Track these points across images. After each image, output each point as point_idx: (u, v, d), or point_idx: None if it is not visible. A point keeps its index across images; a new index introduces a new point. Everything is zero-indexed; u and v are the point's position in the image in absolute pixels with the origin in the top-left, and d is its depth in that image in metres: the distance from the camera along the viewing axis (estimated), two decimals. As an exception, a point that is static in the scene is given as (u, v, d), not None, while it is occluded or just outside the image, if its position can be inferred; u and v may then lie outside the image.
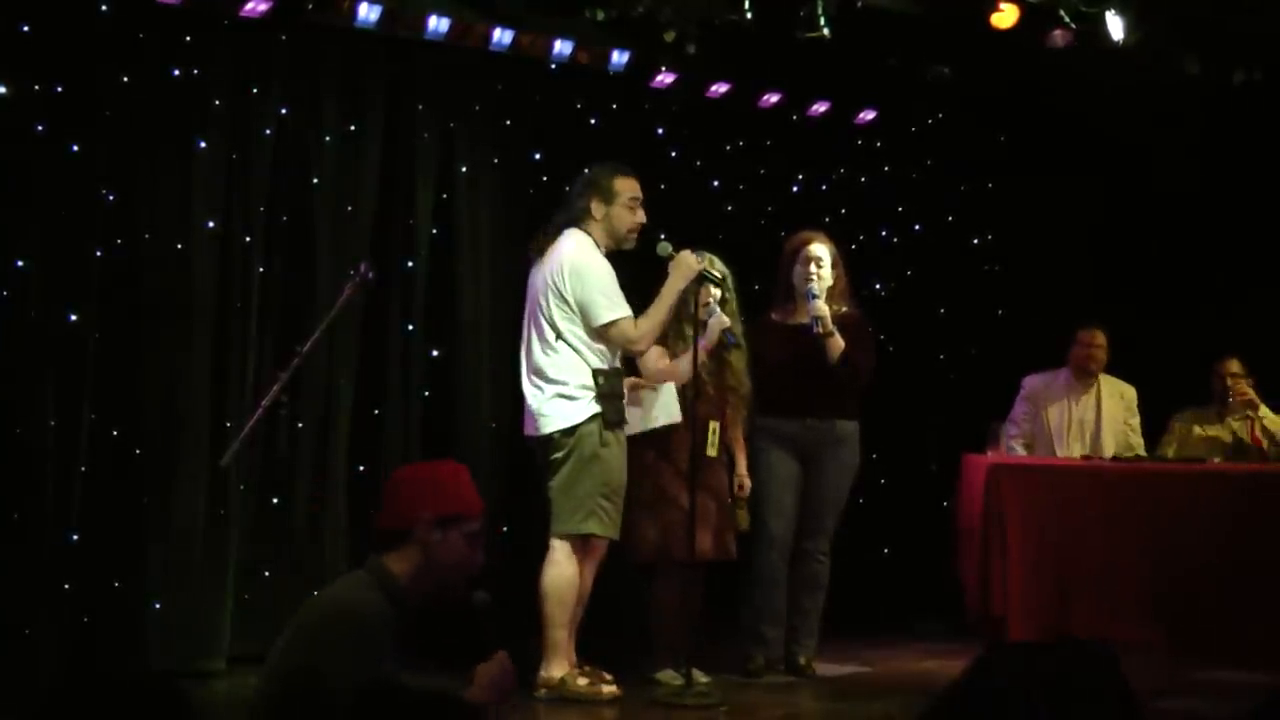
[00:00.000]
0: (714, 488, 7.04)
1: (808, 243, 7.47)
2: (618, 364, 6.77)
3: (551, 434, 6.66)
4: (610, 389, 6.67)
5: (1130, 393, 8.87)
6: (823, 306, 7.28)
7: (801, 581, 7.47)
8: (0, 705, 5.90)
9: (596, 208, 6.80)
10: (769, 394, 7.24)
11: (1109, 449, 8.66)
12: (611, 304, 6.65)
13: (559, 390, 6.65)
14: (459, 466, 4.38)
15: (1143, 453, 8.68)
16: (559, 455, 6.64)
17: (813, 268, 7.37)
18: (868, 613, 8.62)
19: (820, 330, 7.24)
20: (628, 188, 6.85)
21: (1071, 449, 8.71)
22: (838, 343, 7.28)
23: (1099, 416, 8.79)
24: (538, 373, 6.71)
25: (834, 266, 7.46)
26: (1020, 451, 8.65)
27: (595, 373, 6.65)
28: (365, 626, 3.89)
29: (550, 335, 6.68)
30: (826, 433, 7.41)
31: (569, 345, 6.66)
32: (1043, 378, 8.92)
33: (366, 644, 3.84)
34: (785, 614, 7.46)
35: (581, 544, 6.67)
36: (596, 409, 6.63)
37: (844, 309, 7.45)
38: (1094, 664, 2.33)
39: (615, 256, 6.84)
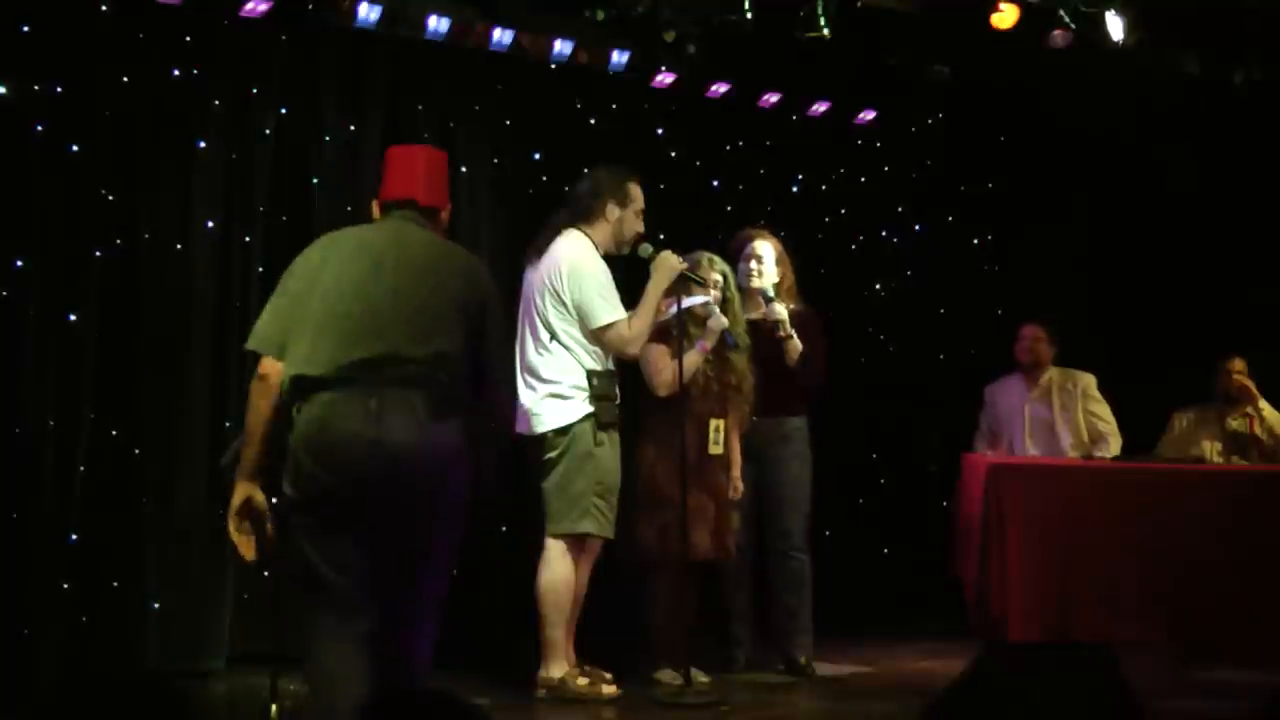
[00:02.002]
0: (714, 487, 7.03)
1: (751, 239, 7.50)
2: (611, 366, 6.76)
3: (544, 433, 6.66)
4: (604, 390, 6.66)
5: (1084, 380, 8.82)
6: (781, 310, 7.29)
7: (783, 582, 7.44)
8: (0, 705, 5.90)
9: (612, 210, 6.79)
10: None
11: (1066, 441, 8.66)
12: (609, 307, 6.65)
13: (552, 390, 6.65)
14: None
15: (1114, 437, 8.66)
16: (552, 455, 6.64)
17: (753, 264, 7.40)
18: (867, 612, 8.62)
19: (782, 334, 7.26)
20: (639, 196, 6.86)
21: (1028, 448, 8.72)
22: (796, 345, 7.30)
23: (1052, 412, 8.79)
24: (531, 372, 6.72)
25: (779, 264, 7.48)
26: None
27: (590, 374, 6.65)
28: None
29: (545, 336, 6.68)
30: (773, 431, 7.40)
31: (563, 346, 6.66)
32: (997, 383, 8.94)
33: None
34: (752, 613, 7.49)
35: (577, 543, 6.67)
36: (589, 409, 6.63)
37: (792, 306, 7.45)
38: (1093, 665, 2.33)
39: (605, 258, 6.84)
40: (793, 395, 7.42)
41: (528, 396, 6.71)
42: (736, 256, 7.47)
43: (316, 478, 4.46)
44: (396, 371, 4.45)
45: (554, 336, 6.66)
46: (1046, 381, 8.84)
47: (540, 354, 6.68)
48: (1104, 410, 8.78)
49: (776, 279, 7.45)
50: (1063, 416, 8.77)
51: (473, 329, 4.62)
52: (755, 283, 7.39)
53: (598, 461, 6.63)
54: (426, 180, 4.91)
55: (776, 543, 7.44)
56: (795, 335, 7.29)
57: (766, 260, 7.45)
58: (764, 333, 7.28)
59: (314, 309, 4.58)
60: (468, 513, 4.67)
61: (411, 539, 4.48)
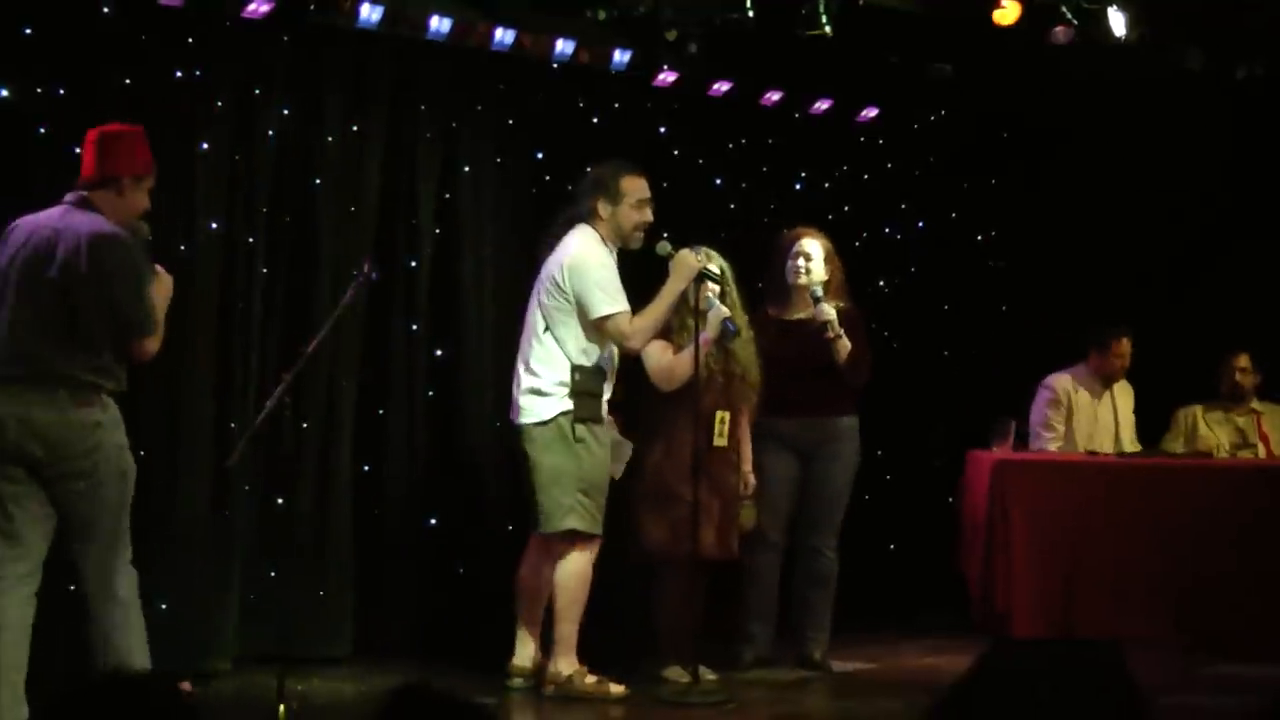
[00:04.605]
0: (721, 484, 7.00)
1: (799, 237, 7.49)
2: (602, 364, 6.76)
3: (522, 425, 6.75)
4: (585, 386, 6.67)
5: (1132, 389, 8.89)
6: (830, 310, 7.27)
7: (809, 577, 7.46)
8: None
9: (603, 207, 6.81)
10: (765, 392, 7.21)
11: (1128, 446, 8.67)
12: (608, 298, 6.66)
13: (533, 384, 6.71)
14: None
15: (1139, 448, 8.68)
16: (530, 449, 6.71)
17: (801, 262, 7.38)
18: (873, 609, 8.61)
19: (831, 335, 7.24)
20: (634, 188, 6.85)
21: (1104, 449, 8.68)
22: (846, 345, 7.28)
23: (1116, 415, 8.79)
24: (524, 361, 6.79)
25: (827, 261, 7.46)
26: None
27: (574, 368, 6.67)
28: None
29: (540, 326, 6.72)
30: (825, 430, 7.41)
31: (555, 338, 6.69)
32: (1069, 378, 8.85)
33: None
34: (775, 612, 7.48)
35: (567, 540, 6.69)
36: (568, 405, 6.64)
37: (840, 305, 7.44)
38: (1100, 660, 2.33)
39: (618, 255, 6.86)
40: (842, 394, 7.44)
41: (516, 385, 6.80)
42: (785, 254, 7.46)
43: None
44: (42, 371, 5.46)
45: (548, 328, 6.69)
46: (1115, 386, 8.85)
47: (532, 344, 6.74)
48: (1134, 419, 8.83)
49: (825, 277, 7.42)
50: (1127, 422, 8.80)
51: (108, 308, 5.52)
52: (803, 280, 7.38)
53: (577, 459, 6.65)
54: (97, 157, 5.67)
55: (811, 539, 7.45)
56: (844, 335, 7.28)
57: (815, 258, 7.42)
58: (812, 331, 7.27)
59: None
60: (122, 455, 5.60)
61: (76, 499, 5.50)
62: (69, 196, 5.68)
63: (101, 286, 5.51)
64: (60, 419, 5.46)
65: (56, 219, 5.61)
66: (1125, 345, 8.78)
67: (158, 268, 5.84)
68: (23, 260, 5.55)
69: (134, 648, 5.57)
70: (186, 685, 5.79)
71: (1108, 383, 8.81)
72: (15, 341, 5.51)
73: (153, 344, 5.70)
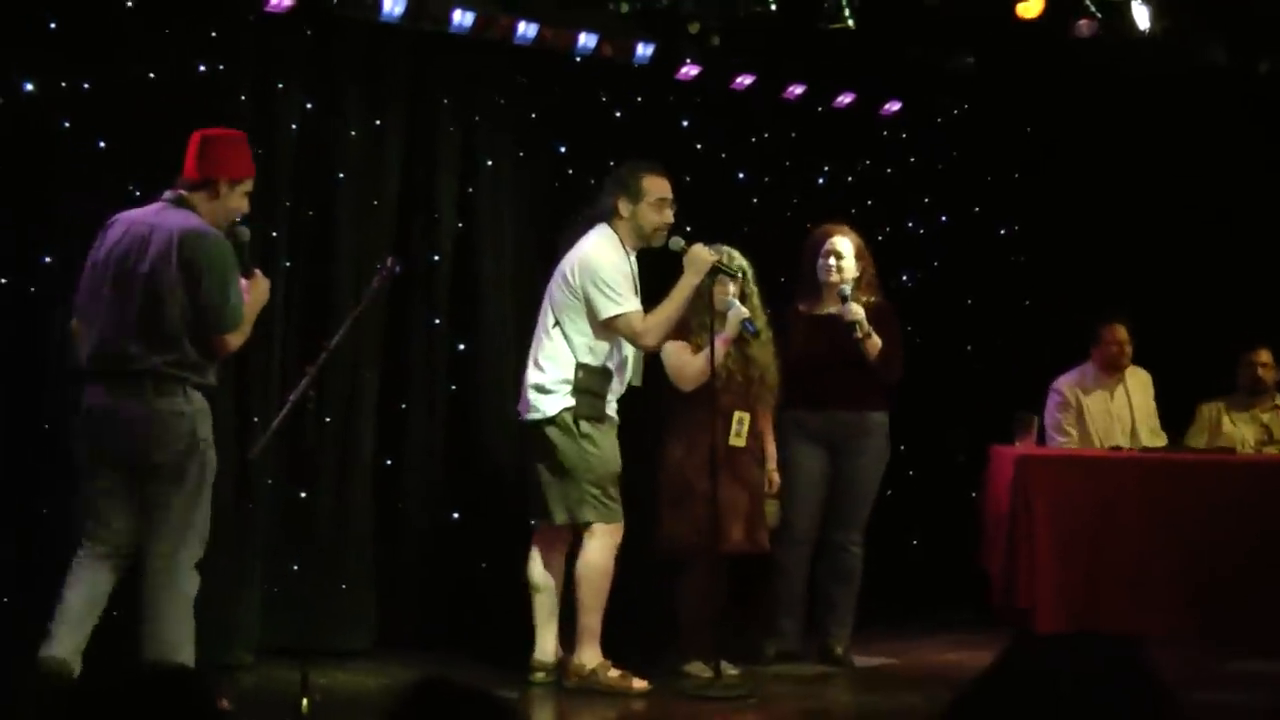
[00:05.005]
0: (746, 479, 7.01)
1: (829, 235, 7.47)
2: (609, 365, 6.76)
3: (528, 421, 6.79)
4: (587, 385, 6.68)
5: (1149, 377, 8.83)
6: (858, 310, 7.25)
7: (833, 572, 7.46)
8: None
9: (623, 206, 6.81)
10: (795, 386, 7.22)
11: (1145, 439, 8.63)
12: (616, 299, 6.65)
13: (538, 380, 6.74)
14: None
15: (1162, 438, 8.64)
16: (537, 445, 6.75)
17: (832, 260, 7.37)
18: (895, 604, 8.60)
19: (859, 334, 7.22)
20: (656, 188, 6.85)
21: (1117, 444, 8.64)
22: (875, 343, 7.27)
23: (1131, 408, 8.74)
24: (533, 356, 6.82)
25: (859, 258, 7.44)
26: None
27: (578, 366, 6.68)
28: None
29: (550, 321, 6.76)
30: (854, 425, 7.40)
31: (563, 334, 6.71)
32: (1074, 377, 8.82)
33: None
34: (803, 607, 7.47)
35: (583, 533, 6.70)
36: (569, 403, 6.66)
37: (871, 300, 7.43)
38: (1123, 656, 2.32)
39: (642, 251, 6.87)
40: (872, 389, 7.42)
41: (524, 381, 6.84)
42: (815, 252, 7.44)
43: (80, 440, 5.87)
44: (129, 364, 5.62)
45: (557, 323, 6.73)
46: (1124, 378, 8.79)
47: (542, 338, 6.79)
48: (1155, 409, 8.78)
49: (856, 274, 7.41)
50: (1144, 415, 8.75)
51: (192, 302, 5.65)
52: (834, 278, 7.36)
53: (584, 452, 6.66)
54: (197, 158, 5.82)
55: (836, 534, 7.45)
56: (873, 333, 7.26)
57: (846, 255, 7.40)
58: (842, 326, 7.26)
59: (89, 292, 5.79)
60: (202, 448, 5.74)
61: (154, 486, 5.67)
62: (166, 194, 5.84)
63: (187, 280, 5.62)
64: (147, 412, 5.63)
65: (152, 215, 5.76)
66: (1118, 331, 8.73)
67: (257, 272, 5.97)
68: (118, 256, 5.70)
69: (183, 648, 5.65)
70: (224, 703, 5.81)
71: (1115, 374, 8.77)
72: (107, 337, 5.69)
73: (235, 340, 5.82)
